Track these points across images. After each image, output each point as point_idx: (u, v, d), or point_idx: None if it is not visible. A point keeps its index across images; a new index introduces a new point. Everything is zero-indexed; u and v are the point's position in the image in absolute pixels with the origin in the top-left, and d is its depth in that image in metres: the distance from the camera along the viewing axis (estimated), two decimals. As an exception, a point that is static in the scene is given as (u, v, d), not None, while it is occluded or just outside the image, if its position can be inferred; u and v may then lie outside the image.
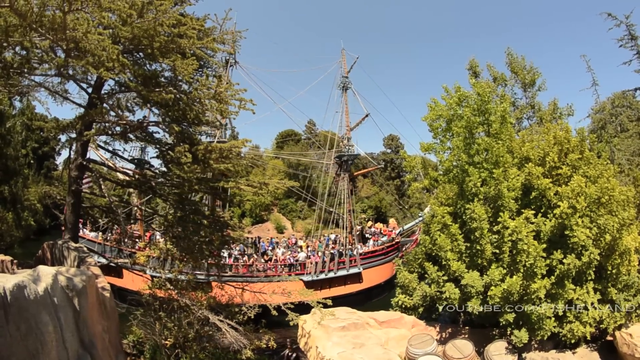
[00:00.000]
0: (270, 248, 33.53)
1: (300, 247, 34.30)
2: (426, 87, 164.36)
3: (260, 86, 54.57)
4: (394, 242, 35.32)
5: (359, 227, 37.19)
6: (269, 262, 30.71)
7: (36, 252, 14.04)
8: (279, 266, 30.36)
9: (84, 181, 20.03)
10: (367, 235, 37.78)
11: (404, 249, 34.42)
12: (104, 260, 20.59)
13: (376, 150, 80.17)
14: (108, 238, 18.31)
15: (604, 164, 15.75)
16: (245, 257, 30.66)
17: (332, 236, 35.61)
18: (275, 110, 44.45)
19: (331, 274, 30.97)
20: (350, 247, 33.66)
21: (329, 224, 37.22)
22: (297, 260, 30.98)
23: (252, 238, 37.25)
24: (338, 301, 29.17)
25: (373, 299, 32.06)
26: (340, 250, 32.47)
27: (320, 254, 31.42)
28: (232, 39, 14.95)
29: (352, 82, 38.06)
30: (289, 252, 32.32)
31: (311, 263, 30.64)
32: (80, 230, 27.98)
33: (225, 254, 29.39)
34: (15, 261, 12.81)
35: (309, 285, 29.32)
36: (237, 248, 31.23)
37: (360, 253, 33.11)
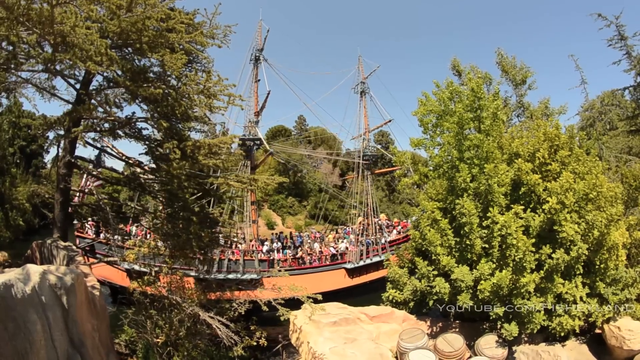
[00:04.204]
0: (309, 241, 35.69)
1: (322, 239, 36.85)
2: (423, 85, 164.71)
3: (289, 85, 56.19)
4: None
5: (376, 220, 38.97)
6: (313, 254, 32.68)
7: (25, 252, 13.88)
8: (324, 257, 32.48)
9: (94, 183, 19.72)
10: (383, 227, 39.90)
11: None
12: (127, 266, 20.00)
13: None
14: (137, 243, 17.15)
15: (593, 160, 15.82)
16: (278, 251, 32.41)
17: (348, 229, 38.50)
18: (303, 109, 46.55)
19: (368, 261, 33.38)
20: (378, 236, 36.30)
21: (318, 219, 38.01)
22: (337, 251, 33.31)
23: (276, 234, 38.82)
24: (375, 284, 31.46)
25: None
26: (373, 239, 35.11)
27: (356, 243, 34.04)
28: (222, 33, 14.73)
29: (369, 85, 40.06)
30: (334, 243, 34.94)
31: (352, 252, 33.19)
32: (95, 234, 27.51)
33: (263, 248, 31.45)
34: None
35: (351, 272, 32.56)
36: (274, 244, 33.52)
37: (388, 241, 35.47)
